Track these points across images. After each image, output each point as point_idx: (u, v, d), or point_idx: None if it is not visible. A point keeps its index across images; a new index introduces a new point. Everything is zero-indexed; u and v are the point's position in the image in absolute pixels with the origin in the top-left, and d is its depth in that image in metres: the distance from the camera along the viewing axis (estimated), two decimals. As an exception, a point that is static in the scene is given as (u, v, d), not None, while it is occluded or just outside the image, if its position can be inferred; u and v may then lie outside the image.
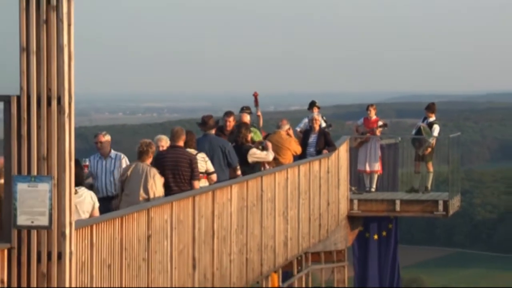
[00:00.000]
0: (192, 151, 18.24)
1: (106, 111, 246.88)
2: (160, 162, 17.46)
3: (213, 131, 20.16)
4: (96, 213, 14.75)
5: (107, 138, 17.63)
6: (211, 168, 18.48)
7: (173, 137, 17.96)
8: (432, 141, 28.09)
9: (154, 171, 16.62)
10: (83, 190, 14.77)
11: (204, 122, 20.12)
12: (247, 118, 22.76)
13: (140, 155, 16.75)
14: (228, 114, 21.18)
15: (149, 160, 16.80)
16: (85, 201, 14.69)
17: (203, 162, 18.33)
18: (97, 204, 14.90)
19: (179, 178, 17.48)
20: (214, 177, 18.51)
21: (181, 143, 17.95)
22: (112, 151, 17.71)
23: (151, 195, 16.31)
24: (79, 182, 14.50)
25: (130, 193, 16.45)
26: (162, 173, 17.05)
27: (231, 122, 20.51)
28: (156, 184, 16.54)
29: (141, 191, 16.34)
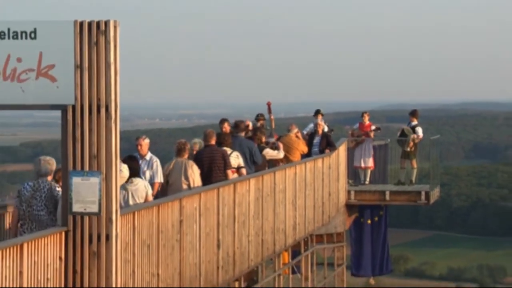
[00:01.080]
0: (228, 149, 18.43)
1: (145, 117, 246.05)
2: (199, 159, 17.75)
3: (242, 134, 20.31)
4: (150, 198, 14.85)
5: (146, 141, 17.35)
6: (242, 163, 18.67)
7: (206, 138, 18.24)
8: (412, 136, 28.19)
9: (191, 163, 16.94)
10: (138, 180, 14.82)
11: (236, 126, 20.29)
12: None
13: (179, 152, 17.06)
14: (223, 121, 20.88)
15: (185, 156, 17.08)
16: (140, 189, 14.72)
17: (236, 159, 18.53)
18: (150, 191, 14.98)
19: (214, 169, 17.71)
20: (243, 171, 18.63)
21: (213, 142, 18.23)
22: (149, 153, 17.39)
23: (191, 182, 16.59)
24: (134, 174, 14.77)
25: (173, 183, 16.72)
26: (201, 167, 17.29)
27: (226, 128, 20.12)
28: (194, 173, 16.80)
29: (183, 179, 16.61)
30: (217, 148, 18.19)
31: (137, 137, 17.56)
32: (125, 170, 14.26)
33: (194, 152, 18.25)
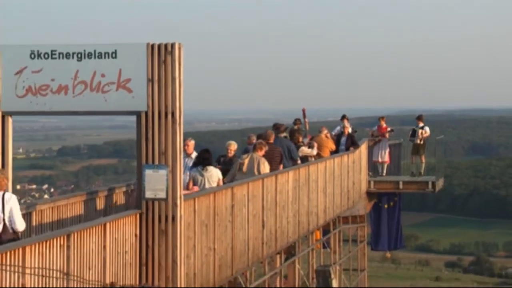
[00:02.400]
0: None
1: (204, 121, 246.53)
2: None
3: (282, 135, 20.31)
4: (221, 183, 15.09)
5: (192, 142, 16.97)
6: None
7: (266, 137, 18.43)
8: (420, 131, 28.09)
9: (263, 159, 17.03)
10: (211, 168, 15.04)
11: (277, 128, 20.31)
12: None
13: (255, 149, 17.26)
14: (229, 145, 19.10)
15: (260, 153, 17.16)
16: (213, 175, 14.98)
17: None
18: (221, 177, 15.22)
19: (272, 162, 17.72)
20: (280, 166, 18.61)
21: (271, 140, 18.46)
22: (194, 152, 16.91)
23: (261, 172, 16.70)
24: (208, 163, 15.06)
25: (248, 172, 16.74)
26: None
27: (231, 151, 18.42)
28: (265, 166, 16.90)
29: (255, 170, 16.70)
30: (275, 146, 18.40)
31: (184, 138, 17.20)
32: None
33: (231, 152, 18.08)
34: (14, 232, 10.08)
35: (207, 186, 14.77)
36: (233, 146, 18.35)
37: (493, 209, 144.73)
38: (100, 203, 14.42)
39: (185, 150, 15.70)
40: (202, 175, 14.92)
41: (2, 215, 10.01)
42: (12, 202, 10.10)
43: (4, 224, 10.02)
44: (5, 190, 10.21)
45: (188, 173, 15.35)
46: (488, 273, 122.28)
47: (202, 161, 15.16)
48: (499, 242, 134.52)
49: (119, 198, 15.44)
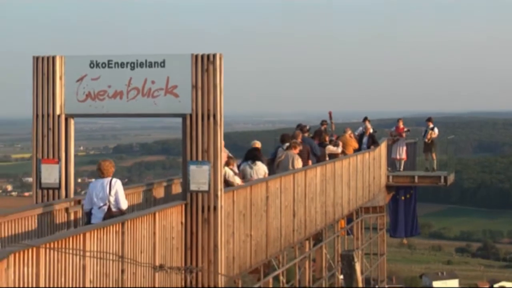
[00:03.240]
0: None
1: (241, 122, 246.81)
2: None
3: (306, 134, 20.25)
4: (266, 175, 15.31)
5: None
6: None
7: (294, 137, 18.44)
8: (430, 132, 27.85)
9: (297, 156, 17.09)
10: (259, 163, 15.37)
11: (301, 128, 20.26)
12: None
13: (289, 147, 17.35)
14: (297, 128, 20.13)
15: (295, 151, 17.25)
16: (260, 169, 15.32)
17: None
18: (267, 171, 15.50)
19: (302, 159, 17.70)
20: (309, 162, 18.56)
21: (299, 139, 18.46)
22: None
23: (295, 167, 16.77)
24: (258, 159, 15.42)
25: (283, 168, 16.80)
26: None
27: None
28: (298, 162, 16.97)
29: (290, 166, 16.75)
30: (304, 145, 18.36)
31: None
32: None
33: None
34: (119, 209, 10.65)
35: (254, 177, 15.10)
36: (258, 144, 18.38)
37: (498, 200, 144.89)
38: (150, 195, 14.44)
39: None
40: (252, 168, 15.33)
41: (108, 196, 10.58)
42: (118, 186, 10.69)
43: (109, 205, 10.60)
44: (112, 177, 10.77)
45: None
46: (494, 258, 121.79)
47: (252, 157, 15.56)
48: (504, 230, 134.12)
49: (167, 190, 15.45)
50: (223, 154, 13.58)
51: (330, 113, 25.16)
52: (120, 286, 9.30)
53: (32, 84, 11.43)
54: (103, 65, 11.20)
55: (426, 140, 27.85)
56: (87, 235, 8.59)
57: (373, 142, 25.34)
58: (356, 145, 23.77)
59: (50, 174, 11.41)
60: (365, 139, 25.40)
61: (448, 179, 28.29)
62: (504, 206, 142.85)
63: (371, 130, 25.93)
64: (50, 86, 11.35)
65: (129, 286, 9.54)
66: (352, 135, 24.26)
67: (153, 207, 11.87)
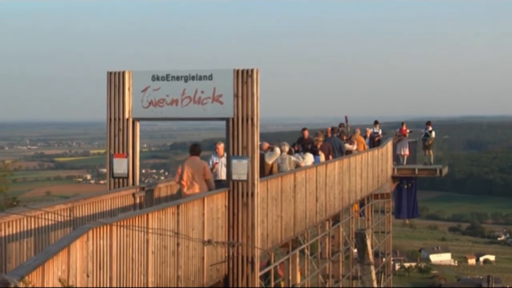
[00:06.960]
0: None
1: (274, 124, 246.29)
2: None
3: (329, 135, 20.19)
4: (301, 165, 15.50)
5: (221, 145, 13.67)
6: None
7: (317, 137, 18.39)
8: (432, 137, 27.58)
9: (289, 156, 16.56)
10: (309, 155, 16.02)
11: (332, 130, 20.63)
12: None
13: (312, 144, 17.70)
14: (304, 129, 19.31)
15: (318, 145, 17.60)
16: (309, 160, 15.93)
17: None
18: (313, 161, 16.09)
19: (324, 153, 17.74)
20: (330, 157, 18.41)
21: (320, 138, 18.45)
22: (225, 154, 12.86)
23: (290, 167, 16.36)
24: (308, 151, 16.33)
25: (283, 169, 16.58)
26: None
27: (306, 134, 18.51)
28: (291, 161, 16.52)
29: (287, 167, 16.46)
30: (325, 143, 18.33)
31: (215, 142, 14.39)
32: (277, 150, 14.83)
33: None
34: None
35: (302, 165, 15.41)
36: (287, 147, 18.27)
37: (483, 189, 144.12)
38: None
39: (217, 153, 13.74)
40: (303, 158, 15.86)
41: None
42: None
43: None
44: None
45: (215, 161, 13.69)
46: (480, 235, 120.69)
47: (303, 150, 16.17)
48: (489, 213, 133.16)
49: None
50: (285, 147, 14.76)
51: (346, 117, 25.00)
52: (176, 256, 9.32)
53: (106, 94, 11.52)
54: (163, 78, 11.23)
55: (427, 143, 27.71)
56: (150, 215, 8.61)
57: (379, 142, 25.66)
58: (363, 141, 23.72)
59: (120, 166, 11.50)
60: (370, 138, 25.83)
61: (443, 171, 28.01)
62: (489, 193, 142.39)
63: (380, 132, 26.24)
64: (121, 96, 11.42)
65: (183, 256, 9.56)
66: (361, 137, 24.22)
67: (202, 193, 11.90)
